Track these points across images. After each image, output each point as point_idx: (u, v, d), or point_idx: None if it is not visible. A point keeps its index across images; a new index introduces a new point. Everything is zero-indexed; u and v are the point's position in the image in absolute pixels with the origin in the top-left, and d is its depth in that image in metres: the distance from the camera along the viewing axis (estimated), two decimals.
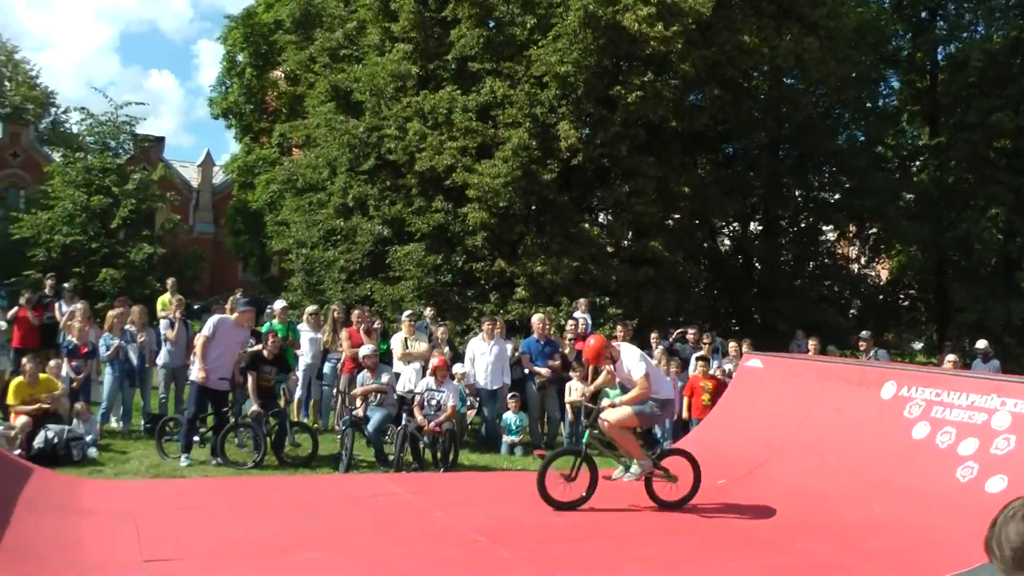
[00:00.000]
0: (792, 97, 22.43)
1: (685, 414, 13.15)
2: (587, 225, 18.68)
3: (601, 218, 20.44)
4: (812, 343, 15.12)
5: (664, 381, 9.35)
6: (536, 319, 14.41)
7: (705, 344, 14.60)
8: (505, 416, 13.38)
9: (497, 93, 18.06)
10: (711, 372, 13.60)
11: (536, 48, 17.87)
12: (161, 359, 13.73)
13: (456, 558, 6.91)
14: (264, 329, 13.68)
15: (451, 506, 8.61)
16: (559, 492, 8.48)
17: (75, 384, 12.51)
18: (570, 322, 14.88)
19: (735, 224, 24.49)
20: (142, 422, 13.40)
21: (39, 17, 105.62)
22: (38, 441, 10.82)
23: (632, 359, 8.64)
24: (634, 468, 9.15)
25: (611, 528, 8.14)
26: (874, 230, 24.69)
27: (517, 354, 14.13)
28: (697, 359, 13.62)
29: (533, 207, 18.24)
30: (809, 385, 10.85)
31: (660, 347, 14.33)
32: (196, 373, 11.07)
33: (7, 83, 58.26)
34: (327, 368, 14.08)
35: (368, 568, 6.72)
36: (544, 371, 13.70)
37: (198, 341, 11.29)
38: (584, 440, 8.90)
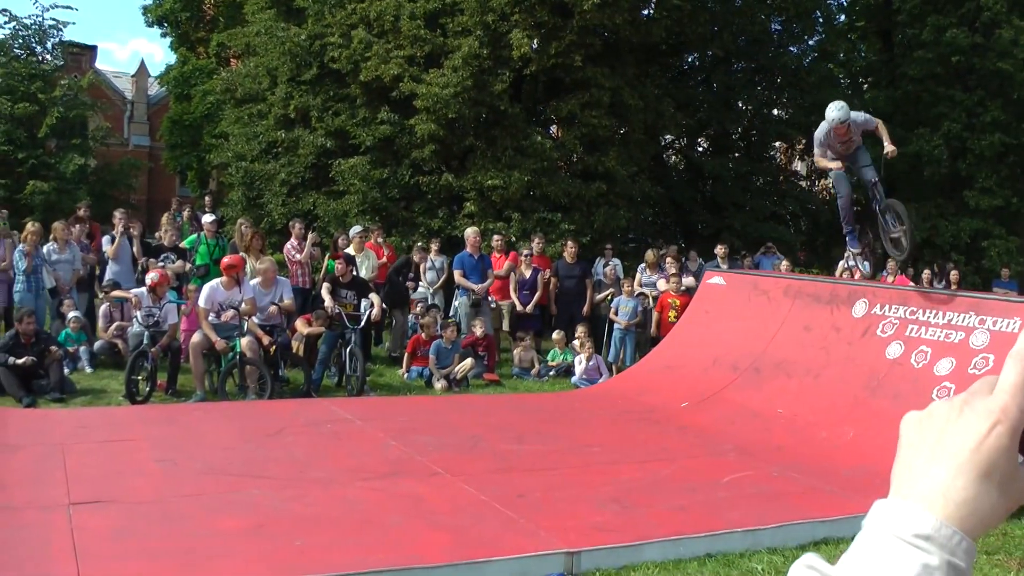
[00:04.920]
0: (747, 11, 21.78)
1: (654, 331, 12.77)
2: (539, 138, 18.00)
3: (553, 132, 19.78)
4: (784, 264, 14.80)
5: None
6: (470, 231, 13.86)
7: (671, 260, 14.09)
8: None
9: None
10: (681, 289, 13.12)
11: None
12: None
13: None
14: (188, 244, 13.11)
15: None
16: None
17: None
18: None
19: (683, 140, 23.94)
20: None
21: None
22: None
23: None
24: None
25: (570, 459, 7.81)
26: None
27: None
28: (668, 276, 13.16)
29: (483, 118, 17.53)
30: (776, 303, 10.51)
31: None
32: None
33: None
34: None
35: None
36: (477, 287, 13.28)
37: None
38: None
